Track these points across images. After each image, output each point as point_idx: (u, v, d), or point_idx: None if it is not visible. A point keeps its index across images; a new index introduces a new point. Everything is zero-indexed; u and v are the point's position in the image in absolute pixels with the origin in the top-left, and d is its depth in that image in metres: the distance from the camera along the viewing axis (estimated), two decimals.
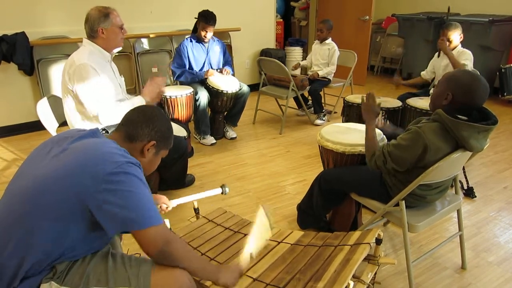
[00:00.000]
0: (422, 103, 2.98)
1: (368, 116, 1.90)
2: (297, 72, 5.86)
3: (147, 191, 1.18)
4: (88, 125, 2.28)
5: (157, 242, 1.15)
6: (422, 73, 3.58)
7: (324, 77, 4.26)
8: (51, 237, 1.13)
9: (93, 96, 2.18)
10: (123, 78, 2.50)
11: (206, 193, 1.71)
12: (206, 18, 3.47)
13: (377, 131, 2.24)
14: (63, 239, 1.15)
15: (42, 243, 1.12)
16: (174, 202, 1.75)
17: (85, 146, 1.19)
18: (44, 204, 1.11)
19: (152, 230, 1.14)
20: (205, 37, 3.55)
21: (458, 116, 1.61)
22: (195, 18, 3.59)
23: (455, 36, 3.16)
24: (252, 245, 1.48)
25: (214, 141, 3.75)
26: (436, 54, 3.38)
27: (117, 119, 2.28)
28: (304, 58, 6.61)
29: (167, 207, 1.74)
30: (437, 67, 3.41)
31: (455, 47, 3.20)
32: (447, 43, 3.17)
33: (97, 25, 2.19)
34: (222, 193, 1.74)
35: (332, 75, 4.33)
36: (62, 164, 1.15)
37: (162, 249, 1.16)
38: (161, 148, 1.37)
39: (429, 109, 1.86)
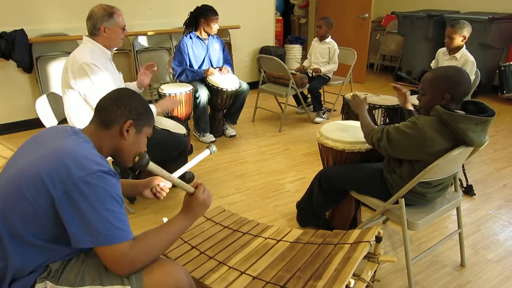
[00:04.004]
0: None
1: (359, 108, 2.11)
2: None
3: (114, 206, 1.10)
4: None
5: (120, 263, 1.11)
6: (431, 65, 3.51)
7: (324, 75, 4.25)
8: (24, 240, 1.10)
9: (99, 94, 2.19)
10: (121, 75, 2.50)
11: (197, 159, 1.67)
12: (213, 10, 3.51)
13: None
14: (39, 242, 1.12)
15: (15, 246, 1.09)
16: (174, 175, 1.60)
17: (62, 148, 1.14)
18: (14, 205, 1.09)
19: (112, 249, 1.09)
20: (216, 29, 3.57)
21: (456, 110, 1.63)
22: (186, 21, 3.59)
23: (457, 35, 3.07)
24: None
25: (214, 138, 3.75)
26: (444, 50, 3.26)
27: None
28: (303, 56, 6.61)
29: (161, 191, 1.61)
30: (442, 63, 3.35)
31: (455, 47, 3.12)
32: (448, 40, 3.11)
33: (100, 23, 2.19)
34: (210, 153, 1.68)
35: (332, 73, 4.32)
36: (36, 164, 1.11)
37: (127, 270, 1.12)
38: (141, 125, 1.31)
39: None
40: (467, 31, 3.07)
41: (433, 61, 3.49)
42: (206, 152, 1.67)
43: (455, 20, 3.23)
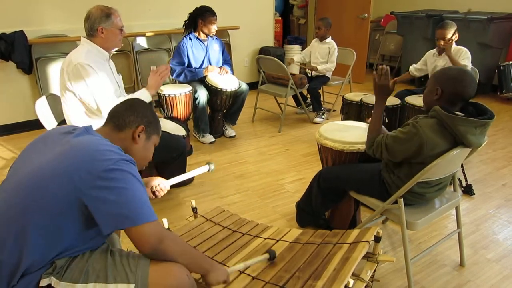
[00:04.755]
0: (421, 100, 2.97)
1: (380, 96, 1.82)
2: (296, 69, 5.86)
3: (141, 188, 1.19)
4: (89, 122, 2.29)
5: (151, 240, 1.16)
6: (410, 68, 3.55)
7: (323, 75, 4.26)
8: (47, 234, 1.13)
9: (93, 94, 2.19)
10: (121, 77, 2.50)
11: (194, 172, 1.81)
12: (211, 11, 3.51)
13: None
14: (60, 237, 1.16)
15: (38, 240, 1.12)
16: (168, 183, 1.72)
17: (81, 143, 1.20)
18: (40, 200, 1.12)
19: (146, 227, 1.15)
20: (214, 30, 3.57)
21: (455, 112, 1.63)
22: (185, 22, 3.59)
23: (452, 35, 3.12)
24: (244, 266, 1.48)
25: (213, 139, 3.75)
26: (434, 52, 3.33)
27: None
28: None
29: (160, 190, 1.67)
30: (433, 65, 3.38)
31: (450, 46, 3.17)
32: (444, 42, 3.13)
33: (98, 24, 2.19)
34: (208, 170, 1.81)
35: (331, 73, 4.32)
36: (58, 160, 1.16)
37: (156, 247, 1.17)
38: (151, 133, 1.41)
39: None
40: (455, 28, 3.15)
41: (414, 65, 3.48)
42: (205, 168, 1.82)
43: (453, 20, 3.27)
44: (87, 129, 1.30)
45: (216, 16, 3.54)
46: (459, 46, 3.18)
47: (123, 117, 1.34)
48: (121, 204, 1.12)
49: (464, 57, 3.10)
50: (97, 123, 2.27)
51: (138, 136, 1.35)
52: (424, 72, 3.48)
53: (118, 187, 1.13)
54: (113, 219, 1.13)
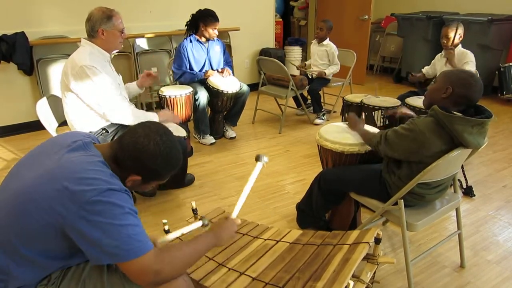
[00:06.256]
0: (421, 102, 2.97)
1: (356, 127, 2.12)
2: (297, 71, 5.86)
3: (131, 219, 1.08)
4: (93, 125, 2.29)
5: (145, 274, 1.09)
6: (423, 70, 3.62)
7: (325, 77, 4.27)
8: (32, 264, 1.10)
9: (100, 96, 2.21)
10: (121, 77, 2.50)
11: (188, 228, 1.58)
12: (214, 16, 3.50)
13: (374, 129, 2.25)
14: (46, 264, 1.12)
15: (21, 269, 1.09)
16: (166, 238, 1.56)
17: (68, 165, 1.10)
18: (22, 226, 1.07)
19: (138, 262, 1.07)
20: (215, 34, 3.57)
21: (453, 112, 1.65)
22: (187, 23, 3.59)
23: (455, 34, 3.19)
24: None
25: (214, 140, 3.75)
26: (442, 53, 3.39)
27: (127, 120, 2.29)
28: (303, 57, 6.62)
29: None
30: (439, 67, 3.43)
31: (455, 46, 3.24)
32: (447, 40, 3.21)
33: (98, 25, 2.20)
34: (202, 225, 1.62)
35: (332, 74, 4.33)
36: (43, 181, 1.08)
37: (153, 279, 1.11)
38: (151, 180, 1.25)
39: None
40: (462, 30, 3.21)
41: (427, 67, 3.54)
42: (198, 224, 1.60)
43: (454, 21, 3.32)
44: (85, 145, 1.18)
45: (219, 21, 3.52)
46: (463, 49, 3.24)
47: (124, 155, 1.17)
48: (106, 240, 1.04)
49: (469, 61, 3.15)
50: (98, 121, 2.28)
51: (132, 181, 1.21)
52: (432, 75, 3.54)
53: (102, 222, 1.04)
54: (100, 254, 1.06)
